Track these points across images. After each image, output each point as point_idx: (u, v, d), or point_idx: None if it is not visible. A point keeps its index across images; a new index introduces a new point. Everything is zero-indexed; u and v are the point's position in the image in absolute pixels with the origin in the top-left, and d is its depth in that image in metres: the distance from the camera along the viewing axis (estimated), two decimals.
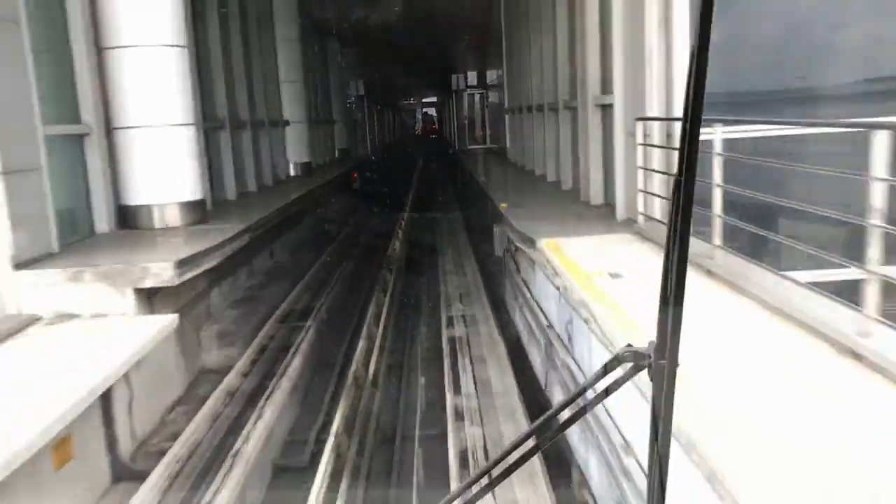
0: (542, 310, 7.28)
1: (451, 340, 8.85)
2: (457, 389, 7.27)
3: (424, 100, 55.70)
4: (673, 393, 1.20)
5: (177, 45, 9.14)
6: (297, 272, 12.33)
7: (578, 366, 5.63)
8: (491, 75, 23.91)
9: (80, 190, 8.46)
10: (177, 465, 5.96)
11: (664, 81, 6.86)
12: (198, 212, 9.42)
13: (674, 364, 1.18)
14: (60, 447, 5.15)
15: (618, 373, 1.31)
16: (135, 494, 5.48)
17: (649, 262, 5.93)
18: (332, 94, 24.18)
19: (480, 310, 10.08)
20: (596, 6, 9.01)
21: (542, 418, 1.47)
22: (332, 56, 24.70)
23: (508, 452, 1.45)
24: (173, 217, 9.15)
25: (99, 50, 8.71)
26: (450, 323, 9.60)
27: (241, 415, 6.93)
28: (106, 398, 6.00)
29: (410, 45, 26.02)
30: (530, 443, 1.44)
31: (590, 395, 1.44)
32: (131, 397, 6.52)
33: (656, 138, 6.82)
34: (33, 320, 6.64)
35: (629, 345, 1.29)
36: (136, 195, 9.00)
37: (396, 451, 7.15)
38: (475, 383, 7.40)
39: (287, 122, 17.18)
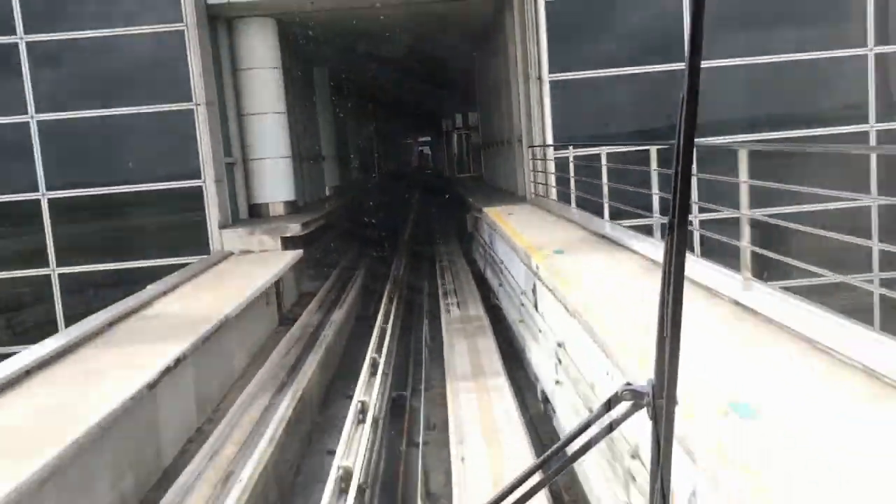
0: (483, 239, 14.13)
1: (441, 260, 15.76)
2: (442, 276, 14.13)
3: (420, 139, 63.25)
4: (672, 431, 1.19)
5: (280, 112, 16.06)
6: (347, 244, 19.26)
7: (494, 256, 12.46)
8: (472, 118, 30.91)
9: (233, 193, 15.33)
10: (306, 319, 12.67)
11: (541, 129, 13.77)
12: (292, 206, 16.25)
13: (672, 403, 1.18)
14: (259, 300, 11.85)
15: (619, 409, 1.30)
16: (290, 329, 12.11)
17: (528, 212, 12.78)
18: (347, 134, 31.21)
19: (455, 243, 17.03)
20: (519, 91, 15.86)
21: (545, 455, 1.45)
22: (342, 105, 31.77)
23: (511, 490, 1.40)
24: (278, 210, 15.96)
25: (240, 115, 15.66)
26: (439, 249, 16.50)
27: (336, 300, 13.74)
28: (275, 285, 12.72)
29: (410, 97, 33.18)
30: (536, 478, 1.42)
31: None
32: (282, 288, 13.27)
33: (538, 156, 13.73)
34: (229, 254, 13.47)
35: (628, 383, 1.28)
36: (260, 197, 15.85)
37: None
38: (452, 274, 14.29)
39: (324, 157, 24.11)
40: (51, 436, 4.89)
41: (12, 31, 12.96)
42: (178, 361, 6.89)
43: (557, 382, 7.11)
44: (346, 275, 16.20)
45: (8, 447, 4.84)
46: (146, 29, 13.31)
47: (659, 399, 1.19)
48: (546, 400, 7.77)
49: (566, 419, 6.72)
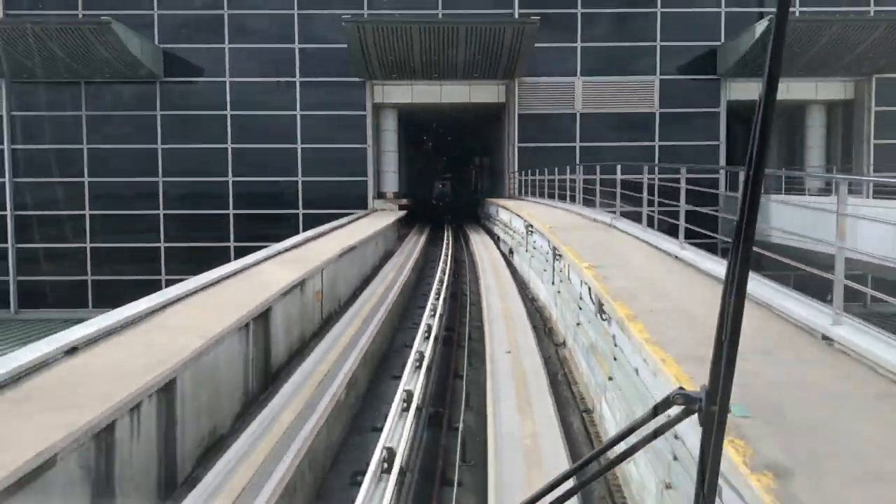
0: (487, 210, 31.98)
1: (465, 231, 33.64)
2: (466, 238, 31.99)
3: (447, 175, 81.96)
4: (722, 439, 1.19)
5: (394, 151, 34.08)
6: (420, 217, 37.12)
7: (490, 214, 30.34)
8: (484, 162, 48.88)
9: (375, 184, 33.26)
10: (407, 251, 30.44)
11: (514, 166, 31.70)
12: (395, 193, 34.14)
13: (724, 410, 1.18)
14: (392, 226, 29.54)
15: (662, 417, 1.32)
16: (389, 260, 29.67)
17: (520, 201, 30.63)
18: (414, 164, 49.34)
19: (470, 218, 34.78)
20: (507, 148, 33.70)
21: (584, 458, 1.44)
22: (415, 150, 49.88)
23: (546, 492, 1.40)
24: (391, 194, 33.79)
25: (387, 151, 33.66)
26: (464, 227, 34.28)
27: (415, 242, 31.66)
28: (389, 226, 30.44)
29: (449, 149, 51.40)
30: (570, 483, 1.41)
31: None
32: (394, 228, 31.05)
33: (517, 179, 31.60)
34: (374, 210, 31.47)
35: (681, 387, 1.27)
36: (384, 187, 33.76)
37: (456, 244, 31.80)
38: (468, 225, 32.15)
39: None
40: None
41: (257, 107, 31.17)
42: (352, 248, 24.58)
43: (511, 251, 24.84)
44: (417, 222, 34.10)
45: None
46: (357, 112, 31.48)
47: (711, 406, 1.19)
48: (511, 252, 25.31)
49: (518, 255, 24.34)
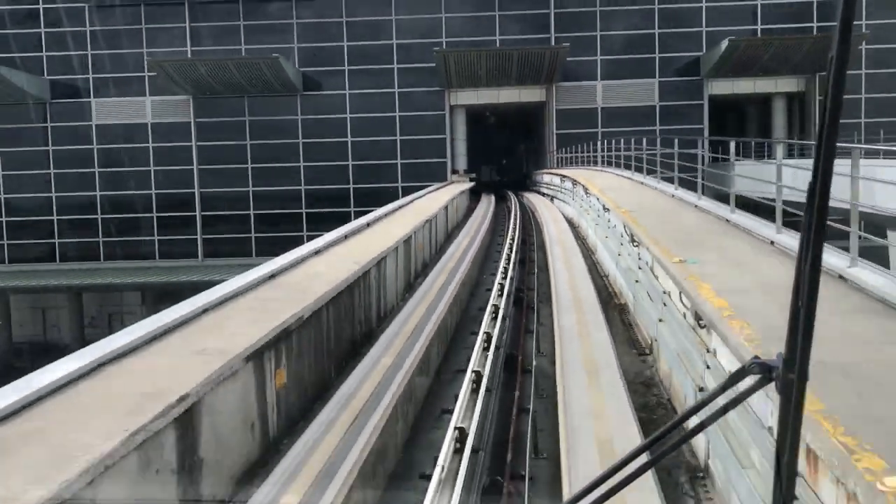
0: (535, 178, 44.12)
1: (518, 193, 45.86)
2: (519, 195, 44.24)
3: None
4: (802, 407, 1.17)
5: (464, 140, 46.31)
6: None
7: (539, 185, 42.49)
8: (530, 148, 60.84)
9: (447, 165, 45.55)
10: (478, 216, 42.62)
11: (554, 145, 43.76)
12: (467, 172, 46.39)
13: (804, 378, 1.16)
14: (464, 193, 41.71)
15: (745, 383, 1.28)
16: (462, 229, 41.82)
17: (559, 169, 42.69)
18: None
19: (524, 189, 46.94)
20: (552, 131, 45.62)
21: (656, 433, 1.41)
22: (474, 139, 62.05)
23: (621, 466, 1.39)
24: (461, 170, 46.03)
25: (453, 140, 45.99)
26: (517, 192, 46.46)
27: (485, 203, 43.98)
28: (466, 189, 42.62)
29: (504, 139, 63.57)
30: (644, 457, 1.40)
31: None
32: (468, 192, 43.24)
33: (555, 157, 43.61)
34: (452, 182, 43.78)
35: (756, 356, 1.25)
36: (458, 166, 46.00)
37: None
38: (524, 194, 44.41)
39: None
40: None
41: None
42: (452, 199, 36.74)
43: (552, 197, 36.92)
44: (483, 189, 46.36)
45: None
46: (438, 112, 43.87)
47: (789, 374, 1.17)
48: (553, 198, 37.32)
49: (557, 197, 36.39)
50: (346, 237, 13.07)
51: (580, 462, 5.71)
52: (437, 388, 9.40)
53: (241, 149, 43.82)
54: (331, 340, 8.51)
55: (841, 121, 1.14)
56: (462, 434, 6.43)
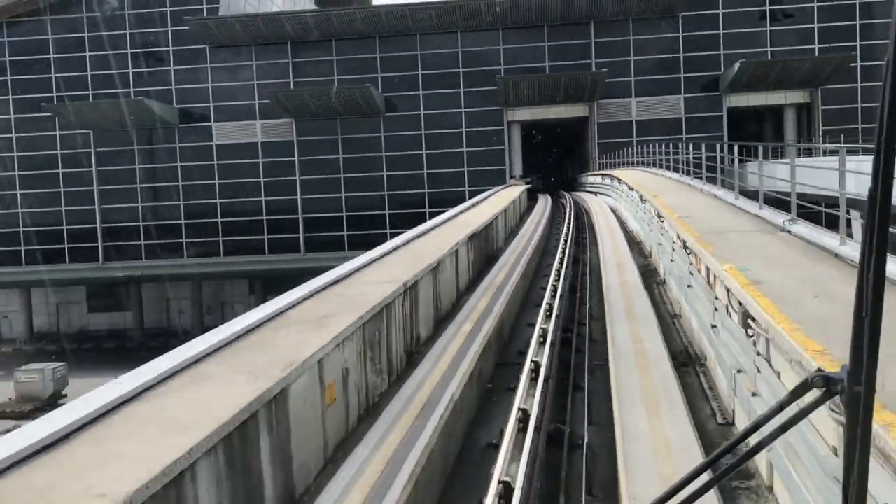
0: (580, 180, 52.30)
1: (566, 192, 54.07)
2: (570, 193, 52.51)
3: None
4: (870, 421, 1.12)
5: (518, 150, 54.75)
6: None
7: (584, 186, 50.71)
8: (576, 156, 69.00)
9: (506, 171, 53.99)
10: (540, 205, 50.93)
11: (596, 152, 51.91)
12: (523, 177, 54.75)
13: (871, 390, 1.11)
14: (522, 194, 50.05)
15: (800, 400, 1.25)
16: (529, 217, 50.08)
17: (602, 171, 50.85)
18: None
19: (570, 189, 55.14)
20: (594, 140, 53.78)
21: (717, 452, 1.37)
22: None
23: (681, 486, 1.35)
24: (518, 177, 54.40)
25: (510, 150, 54.48)
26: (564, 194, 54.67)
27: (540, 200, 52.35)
28: (525, 190, 50.94)
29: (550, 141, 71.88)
30: (706, 476, 1.35)
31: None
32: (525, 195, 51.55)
33: (597, 162, 51.74)
34: (510, 185, 52.20)
35: (819, 369, 1.19)
36: (513, 172, 54.43)
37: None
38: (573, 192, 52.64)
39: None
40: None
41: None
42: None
43: (596, 192, 45.09)
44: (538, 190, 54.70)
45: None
46: (498, 127, 52.46)
47: (855, 386, 1.11)
48: (597, 192, 45.43)
49: (601, 192, 44.56)
50: (456, 215, 21.61)
51: (616, 324, 13.98)
52: (535, 285, 17.78)
53: (334, 162, 52.84)
54: (468, 269, 16.98)
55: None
56: (549, 309, 14.68)
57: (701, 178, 21.99)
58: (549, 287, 13.83)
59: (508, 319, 12.97)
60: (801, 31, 49.95)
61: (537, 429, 6.95)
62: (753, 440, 1.39)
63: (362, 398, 7.51)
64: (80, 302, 58.52)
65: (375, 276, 10.12)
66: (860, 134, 48.77)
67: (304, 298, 8.32)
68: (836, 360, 4.49)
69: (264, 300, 9.48)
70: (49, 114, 52.10)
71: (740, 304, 6.94)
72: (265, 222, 53.34)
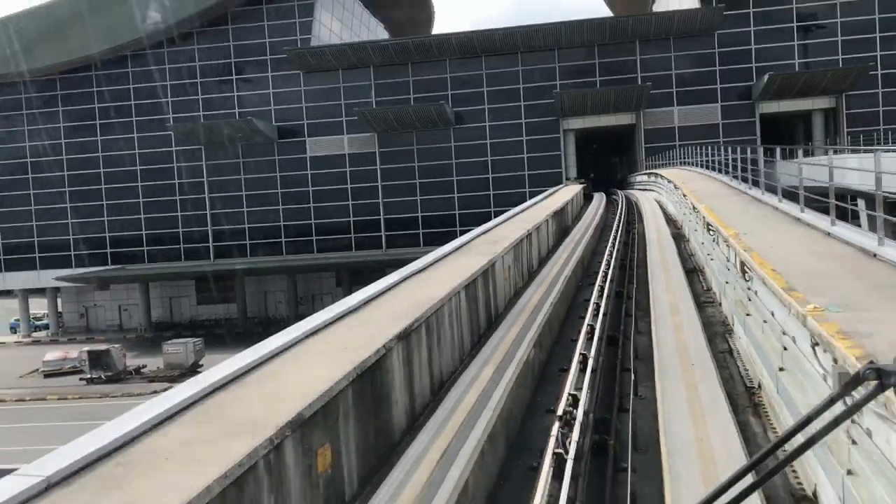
0: (630, 180, 59.11)
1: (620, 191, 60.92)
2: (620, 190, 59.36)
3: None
4: None
5: (573, 154, 61.78)
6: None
7: (634, 185, 57.58)
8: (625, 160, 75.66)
9: (562, 174, 61.04)
10: (595, 200, 57.82)
11: (643, 155, 58.69)
12: (577, 179, 61.72)
13: None
14: (579, 192, 56.99)
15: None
16: (588, 207, 56.97)
17: (649, 171, 57.61)
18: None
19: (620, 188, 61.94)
20: (641, 145, 60.48)
21: (763, 450, 1.31)
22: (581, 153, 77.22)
23: (724, 489, 1.29)
24: (573, 178, 61.39)
25: (565, 155, 61.58)
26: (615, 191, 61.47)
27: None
28: (581, 188, 57.86)
29: (601, 146, 78.70)
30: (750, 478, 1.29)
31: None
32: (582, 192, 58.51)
33: (644, 164, 58.51)
34: (565, 185, 59.25)
35: (871, 362, 1.14)
36: (568, 175, 61.47)
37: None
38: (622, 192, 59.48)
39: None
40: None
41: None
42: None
43: (644, 188, 51.93)
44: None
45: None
46: (555, 135, 59.72)
47: None
48: (644, 189, 52.19)
49: (647, 188, 51.38)
50: (537, 203, 28.87)
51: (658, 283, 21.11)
52: (600, 243, 24.91)
53: (411, 169, 60.60)
54: (539, 246, 24.23)
55: None
56: (611, 254, 21.78)
57: (728, 174, 28.72)
58: (610, 242, 20.96)
59: (584, 259, 20.16)
60: (826, 44, 56.11)
61: (609, 295, 14.19)
62: (800, 438, 1.31)
63: (520, 276, 14.91)
64: (189, 295, 67.29)
65: (507, 230, 17.46)
66: (881, 135, 54.74)
67: (480, 235, 15.75)
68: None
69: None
70: (168, 132, 60.99)
71: (727, 245, 14.10)
72: (352, 223, 61.32)
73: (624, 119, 59.70)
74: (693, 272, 16.61)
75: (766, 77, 53.74)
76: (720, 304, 12.79)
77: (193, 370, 45.58)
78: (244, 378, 5.95)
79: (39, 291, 71.57)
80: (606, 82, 58.44)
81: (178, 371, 45.72)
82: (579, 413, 7.64)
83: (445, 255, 12.83)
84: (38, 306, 73.75)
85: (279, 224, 62.12)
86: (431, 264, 11.51)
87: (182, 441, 4.62)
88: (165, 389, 6.29)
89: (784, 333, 6.95)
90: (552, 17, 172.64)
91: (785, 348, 6.93)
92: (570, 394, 8.18)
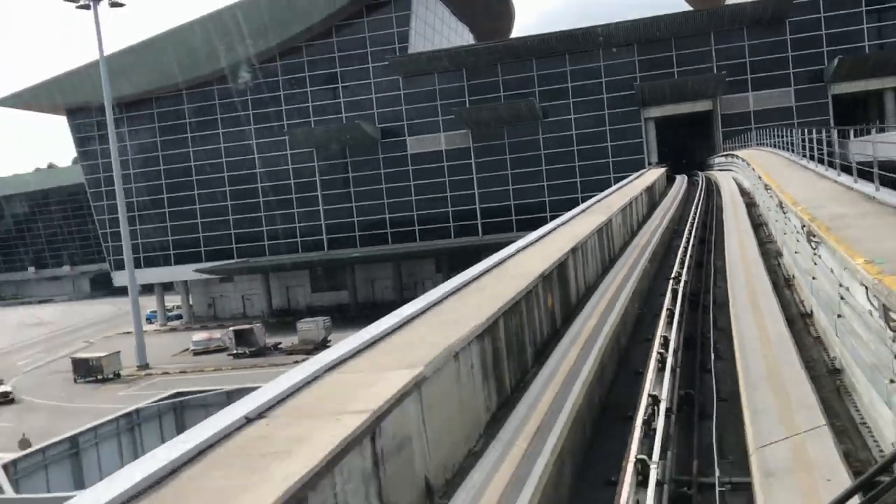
0: (709, 162, 63.17)
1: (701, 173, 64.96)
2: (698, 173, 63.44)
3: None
4: None
5: (654, 141, 66.09)
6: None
7: (712, 167, 61.68)
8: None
9: (644, 159, 65.49)
10: (678, 181, 62.10)
11: (720, 139, 62.60)
12: (658, 163, 66.00)
13: None
14: (661, 175, 61.34)
15: None
16: (672, 186, 61.25)
17: (726, 154, 61.63)
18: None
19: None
20: (718, 130, 64.34)
21: (870, 471, 1.19)
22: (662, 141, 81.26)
23: None
24: (654, 163, 65.71)
25: (647, 141, 66.01)
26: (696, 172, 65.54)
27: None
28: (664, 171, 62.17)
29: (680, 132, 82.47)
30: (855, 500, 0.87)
31: None
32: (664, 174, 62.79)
33: (721, 147, 62.45)
34: (650, 169, 63.67)
35: None
36: (650, 159, 65.79)
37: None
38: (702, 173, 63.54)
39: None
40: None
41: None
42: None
43: (722, 168, 56.10)
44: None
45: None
46: (637, 123, 64.29)
47: None
48: (722, 169, 56.28)
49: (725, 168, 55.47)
50: (631, 181, 33.93)
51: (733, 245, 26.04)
52: (685, 211, 29.88)
53: (502, 162, 66.14)
54: (637, 212, 29.34)
55: None
56: (694, 218, 26.74)
57: (803, 155, 33.15)
58: (692, 211, 26.02)
59: (673, 220, 25.31)
60: (891, 27, 58.97)
61: (693, 243, 19.37)
62: None
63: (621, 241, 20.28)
64: (304, 284, 74.60)
65: (613, 200, 22.77)
66: None
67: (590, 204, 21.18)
68: None
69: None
70: (284, 137, 68.24)
71: (771, 195, 19.15)
72: (450, 213, 67.28)
73: (701, 106, 63.72)
74: (759, 226, 21.56)
75: (836, 60, 57.05)
76: (776, 242, 17.84)
77: (324, 344, 52.22)
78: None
79: (169, 287, 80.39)
80: (683, 72, 62.64)
81: (311, 345, 52.45)
82: (679, 293, 13.03)
83: (576, 215, 18.31)
84: (164, 302, 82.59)
85: (384, 216, 68.60)
86: (571, 218, 17.01)
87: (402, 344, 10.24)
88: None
89: (831, 271, 12.00)
90: (623, 10, 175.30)
91: (837, 288, 12.16)
92: (672, 289, 13.55)
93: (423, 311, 8.48)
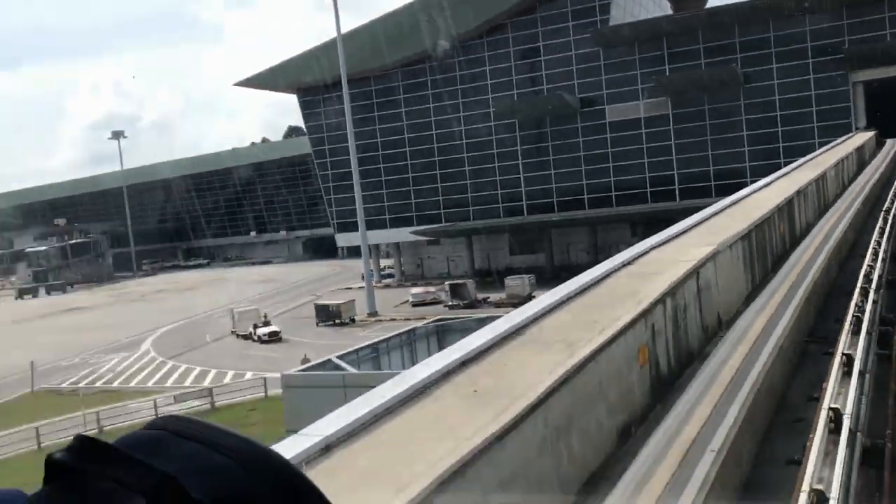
0: None
1: None
2: None
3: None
4: None
5: (863, 105, 64.60)
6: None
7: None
8: None
9: (851, 123, 64.28)
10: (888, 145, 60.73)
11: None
12: (866, 128, 64.55)
13: None
14: (870, 138, 60.27)
15: None
16: (878, 154, 60.09)
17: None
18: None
19: None
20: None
21: None
22: None
23: None
24: (863, 127, 64.29)
25: (855, 107, 64.67)
26: None
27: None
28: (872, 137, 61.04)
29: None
30: None
31: None
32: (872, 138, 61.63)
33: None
34: (856, 133, 62.55)
35: None
36: (857, 124, 64.50)
37: None
38: None
39: None
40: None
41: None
42: (860, 147, 55.60)
43: None
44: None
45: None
46: (843, 89, 63.25)
47: None
48: None
49: None
50: (842, 142, 35.43)
51: None
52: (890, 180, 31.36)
53: (702, 128, 67.51)
54: (847, 170, 31.12)
55: None
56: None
57: None
58: None
59: (882, 177, 27.33)
60: None
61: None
62: None
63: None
64: (503, 248, 79.85)
65: (823, 159, 25.29)
66: None
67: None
68: None
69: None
70: (489, 110, 73.41)
71: None
72: (647, 178, 69.67)
73: None
74: None
75: None
76: None
77: (528, 299, 56.97)
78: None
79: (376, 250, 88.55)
80: None
81: (517, 300, 57.28)
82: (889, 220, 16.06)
83: (791, 171, 21.39)
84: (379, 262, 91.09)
85: (581, 183, 72.14)
86: (792, 170, 20.19)
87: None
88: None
89: None
90: None
91: None
92: (879, 227, 16.54)
93: (697, 224, 12.53)
